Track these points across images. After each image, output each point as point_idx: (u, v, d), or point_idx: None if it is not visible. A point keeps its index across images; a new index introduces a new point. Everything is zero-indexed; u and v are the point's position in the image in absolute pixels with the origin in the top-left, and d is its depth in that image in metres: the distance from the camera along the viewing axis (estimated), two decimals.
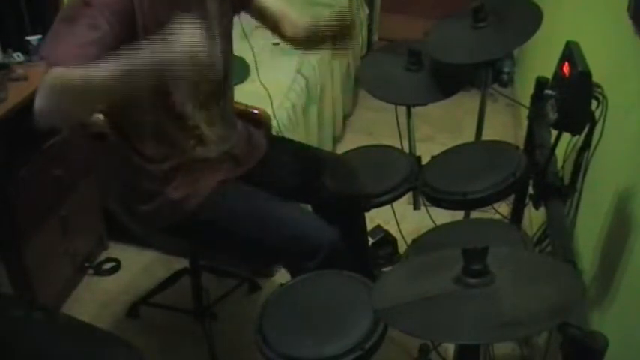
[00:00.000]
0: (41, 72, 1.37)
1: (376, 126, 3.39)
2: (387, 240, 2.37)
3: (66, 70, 1.31)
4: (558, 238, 1.49)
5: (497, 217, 2.02)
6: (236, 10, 1.79)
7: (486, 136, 2.06)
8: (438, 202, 1.69)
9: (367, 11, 3.88)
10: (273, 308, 1.41)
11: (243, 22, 1.84)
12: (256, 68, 2.15)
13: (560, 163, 1.69)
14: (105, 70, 1.30)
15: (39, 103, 1.32)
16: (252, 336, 1.36)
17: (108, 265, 2.55)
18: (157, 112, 1.64)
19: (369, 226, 2.17)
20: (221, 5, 1.70)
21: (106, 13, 1.41)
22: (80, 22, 1.39)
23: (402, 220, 2.17)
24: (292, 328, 1.35)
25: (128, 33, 1.44)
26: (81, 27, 1.39)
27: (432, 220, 1.98)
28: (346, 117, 3.56)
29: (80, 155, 2.31)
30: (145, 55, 1.30)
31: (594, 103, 1.42)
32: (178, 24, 1.29)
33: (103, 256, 2.59)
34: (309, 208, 2.05)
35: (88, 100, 1.36)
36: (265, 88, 2.25)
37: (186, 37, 1.28)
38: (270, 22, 1.81)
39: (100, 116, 1.80)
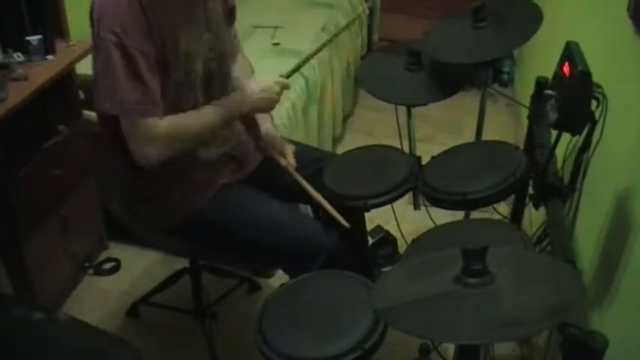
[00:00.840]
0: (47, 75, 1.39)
1: (376, 126, 3.39)
2: (387, 240, 2.37)
3: (177, 119, 1.59)
4: (558, 238, 1.49)
5: (497, 217, 2.02)
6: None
7: (486, 136, 2.06)
8: (438, 202, 1.68)
9: (367, 11, 3.88)
10: (273, 308, 1.41)
11: (242, 22, 1.84)
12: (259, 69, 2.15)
13: (560, 163, 1.69)
14: (209, 118, 1.64)
15: (159, 150, 1.56)
16: (252, 336, 1.36)
17: (108, 265, 2.55)
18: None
19: (369, 226, 2.17)
20: (224, 9, 1.72)
21: (136, 44, 1.48)
22: (121, 65, 1.48)
23: (402, 220, 2.17)
24: (292, 328, 1.35)
25: (152, 42, 1.53)
26: (123, 71, 1.49)
27: (432, 220, 1.98)
28: (346, 117, 3.55)
29: (80, 155, 2.31)
30: (232, 105, 1.68)
31: (594, 103, 1.42)
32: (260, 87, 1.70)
33: (103, 256, 2.59)
34: (308, 208, 2.05)
35: (195, 142, 1.67)
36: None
37: (267, 97, 1.71)
38: None
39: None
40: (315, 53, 1.83)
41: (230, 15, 1.80)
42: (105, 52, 1.48)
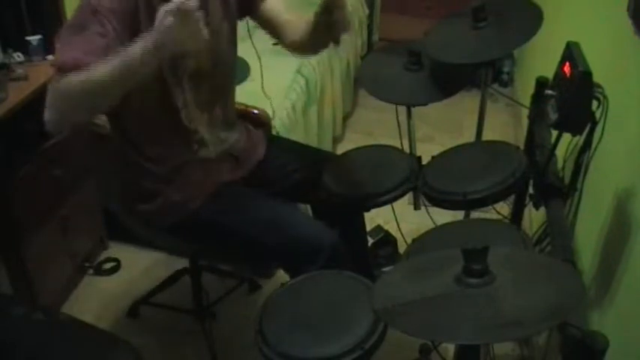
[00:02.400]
0: (47, 75, 1.39)
1: (376, 126, 3.39)
2: (387, 240, 2.37)
3: (69, 76, 1.36)
4: (558, 238, 1.48)
5: (497, 217, 2.02)
6: (242, 15, 1.79)
7: (486, 136, 2.06)
8: (438, 202, 1.68)
9: (367, 11, 3.88)
10: (273, 308, 1.41)
11: (242, 23, 1.84)
12: (260, 69, 2.15)
13: (560, 163, 1.69)
14: (105, 66, 1.35)
15: (49, 113, 1.39)
16: (252, 336, 1.36)
17: (108, 265, 2.55)
18: (159, 114, 1.64)
19: (369, 226, 2.17)
20: (225, 8, 1.70)
21: (112, 19, 1.44)
22: (88, 30, 1.42)
23: (402, 220, 2.17)
24: (292, 328, 1.35)
25: (134, 37, 1.45)
26: (89, 34, 1.42)
27: (432, 220, 1.98)
28: (346, 117, 3.55)
29: (80, 155, 2.31)
30: (136, 46, 1.35)
31: (595, 103, 1.42)
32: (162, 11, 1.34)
33: (103, 256, 2.59)
34: (308, 208, 2.05)
35: (96, 98, 1.40)
36: (264, 91, 2.25)
37: (166, 9, 1.32)
38: (272, 28, 1.81)
39: (103, 117, 1.80)
40: None
41: (230, 10, 1.74)
42: (81, 10, 1.44)
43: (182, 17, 1.32)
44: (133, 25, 1.48)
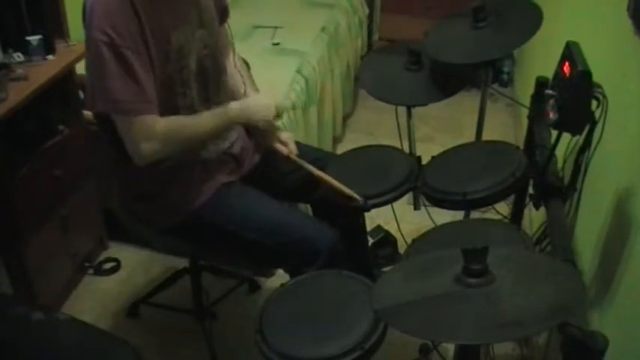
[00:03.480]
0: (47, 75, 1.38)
1: (376, 126, 3.39)
2: (387, 240, 2.37)
3: (175, 120, 1.60)
4: (558, 238, 1.49)
5: (498, 217, 2.02)
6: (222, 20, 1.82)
7: (486, 136, 2.06)
8: (438, 202, 1.69)
9: (367, 11, 3.88)
10: (273, 308, 1.41)
11: (242, 22, 1.84)
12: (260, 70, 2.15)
13: (560, 163, 1.69)
14: (206, 124, 1.64)
15: (153, 148, 1.55)
16: (252, 336, 1.36)
17: (108, 265, 2.55)
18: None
19: (369, 226, 2.17)
20: (215, 4, 1.72)
21: (128, 43, 1.48)
22: (113, 65, 1.47)
23: (402, 220, 2.17)
24: (292, 328, 1.35)
25: (144, 41, 1.52)
26: (116, 70, 1.48)
27: (432, 220, 1.98)
28: (346, 117, 3.55)
29: (80, 155, 2.31)
30: (230, 115, 1.67)
31: (594, 103, 1.42)
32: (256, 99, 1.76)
33: (103, 256, 2.59)
34: (308, 208, 2.05)
35: (191, 145, 1.67)
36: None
37: (264, 104, 1.74)
38: None
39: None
40: None
41: (222, 13, 1.79)
42: (96, 52, 1.47)
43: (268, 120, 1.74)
44: (141, 33, 1.51)
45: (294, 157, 1.81)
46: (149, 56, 1.52)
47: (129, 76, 1.49)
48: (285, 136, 1.84)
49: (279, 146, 1.83)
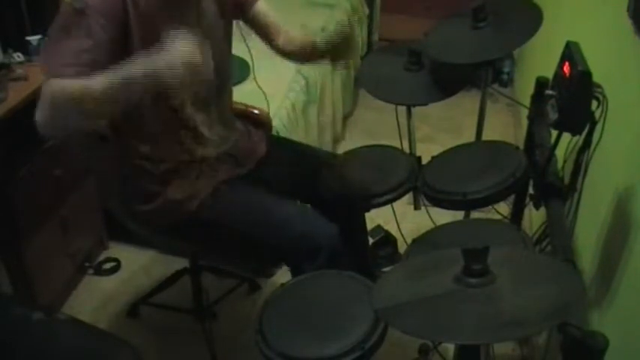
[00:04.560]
0: (40, 78, 1.37)
1: (376, 126, 3.39)
2: (387, 240, 2.37)
3: (64, 82, 1.33)
4: (558, 238, 1.49)
5: (497, 217, 2.02)
6: (234, 15, 1.79)
7: (486, 136, 2.06)
8: (438, 202, 1.69)
9: (367, 11, 3.88)
10: (273, 308, 1.41)
11: (242, 22, 1.84)
12: (253, 70, 2.14)
13: (560, 163, 1.69)
14: (103, 81, 1.33)
15: (40, 115, 1.34)
16: (252, 336, 1.36)
17: (108, 265, 2.55)
18: (157, 114, 1.64)
19: (369, 226, 2.17)
20: (219, 8, 1.71)
21: (100, 19, 1.41)
22: (75, 31, 1.39)
23: (402, 220, 2.17)
24: (292, 328, 1.35)
25: (122, 38, 1.45)
26: (76, 36, 1.39)
27: (431, 220, 1.98)
28: (346, 117, 3.55)
29: (80, 155, 2.31)
30: (141, 64, 1.34)
31: (594, 103, 1.42)
32: (173, 35, 1.35)
33: (103, 256, 2.59)
34: (308, 207, 2.05)
35: (87, 111, 1.36)
36: (261, 90, 2.25)
37: (181, 48, 1.33)
38: (264, 32, 1.82)
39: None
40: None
41: (225, 9, 1.74)
42: (64, 16, 1.41)
43: (191, 69, 1.34)
44: (123, 26, 1.46)
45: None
46: (125, 36, 1.45)
47: (77, 37, 1.38)
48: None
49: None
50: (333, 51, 1.72)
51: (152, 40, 1.40)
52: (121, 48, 1.44)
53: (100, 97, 1.33)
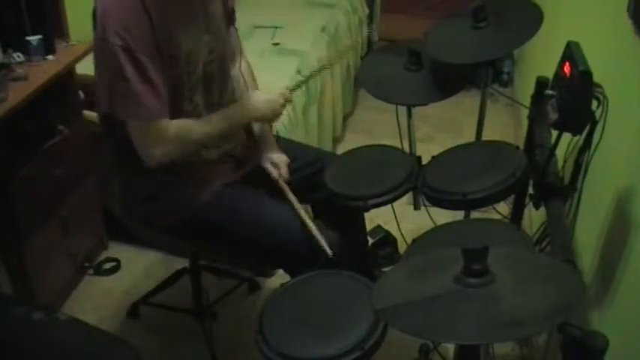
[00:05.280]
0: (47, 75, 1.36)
1: (376, 126, 3.39)
2: (387, 240, 2.37)
3: (185, 123, 1.63)
4: (558, 238, 1.49)
5: (498, 217, 2.02)
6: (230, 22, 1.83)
7: (486, 136, 2.06)
8: (438, 202, 1.68)
9: (367, 11, 3.88)
10: (273, 308, 1.41)
11: (242, 22, 1.84)
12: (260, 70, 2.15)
13: (560, 163, 1.69)
14: (221, 127, 1.69)
15: (162, 152, 1.58)
16: (252, 336, 1.36)
17: (108, 265, 2.55)
18: None
19: (369, 226, 2.17)
20: (224, 10, 1.72)
21: (142, 47, 1.48)
22: (130, 69, 1.49)
23: (402, 220, 2.16)
24: (292, 328, 1.35)
25: (155, 43, 1.53)
26: (133, 75, 1.49)
27: (432, 220, 1.98)
28: (346, 117, 3.55)
29: (80, 155, 2.31)
30: (237, 116, 1.74)
31: (595, 103, 1.42)
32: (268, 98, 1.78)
33: (103, 256, 2.59)
34: (308, 207, 2.05)
35: (200, 147, 1.71)
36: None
37: (276, 108, 1.79)
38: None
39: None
40: (319, 71, 1.96)
41: (229, 17, 1.81)
42: (113, 56, 1.47)
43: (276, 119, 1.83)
44: (152, 38, 1.51)
45: (281, 182, 1.80)
46: (159, 59, 1.53)
47: (146, 81, 1.51)
48: (278, 158, 1.84)
49: (269, 167, 1.83)
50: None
51: (172, 46, 1.55)
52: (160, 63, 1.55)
53: (215, 138, 1.72)
